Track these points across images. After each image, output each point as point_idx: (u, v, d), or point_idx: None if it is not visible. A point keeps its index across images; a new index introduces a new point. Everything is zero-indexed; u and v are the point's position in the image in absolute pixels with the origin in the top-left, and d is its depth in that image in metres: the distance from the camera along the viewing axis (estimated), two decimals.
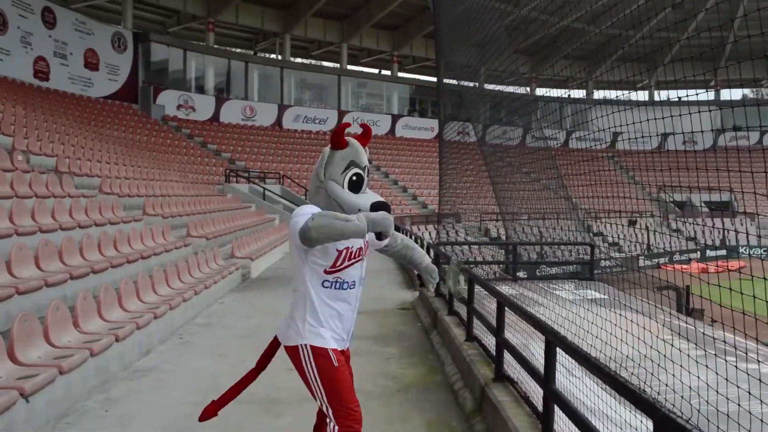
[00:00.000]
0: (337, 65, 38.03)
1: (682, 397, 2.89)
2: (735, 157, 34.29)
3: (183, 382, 5.37)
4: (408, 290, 11.29)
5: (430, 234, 22.01)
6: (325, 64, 41.15)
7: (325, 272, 2.56)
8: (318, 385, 2.54)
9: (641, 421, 2.45)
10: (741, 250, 27.52)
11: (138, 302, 6.78)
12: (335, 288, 2.58)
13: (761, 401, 2.72)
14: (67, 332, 5.19)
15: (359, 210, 2.49)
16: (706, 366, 2.90)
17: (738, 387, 2.68)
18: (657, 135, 38.19)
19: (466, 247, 19.35)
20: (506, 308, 4.54)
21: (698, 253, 27.46)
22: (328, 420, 2.53)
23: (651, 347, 3.45)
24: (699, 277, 3.46)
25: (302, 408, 4.18)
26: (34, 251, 6.27)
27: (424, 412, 4.67)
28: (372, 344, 6.81)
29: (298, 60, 37.72)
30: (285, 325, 2.68)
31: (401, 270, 14.62)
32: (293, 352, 2.60)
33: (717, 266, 18.88)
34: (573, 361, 3.12)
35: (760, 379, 2.77)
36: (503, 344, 4.49)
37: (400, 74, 40.41)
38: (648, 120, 3.91)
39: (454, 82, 13.76)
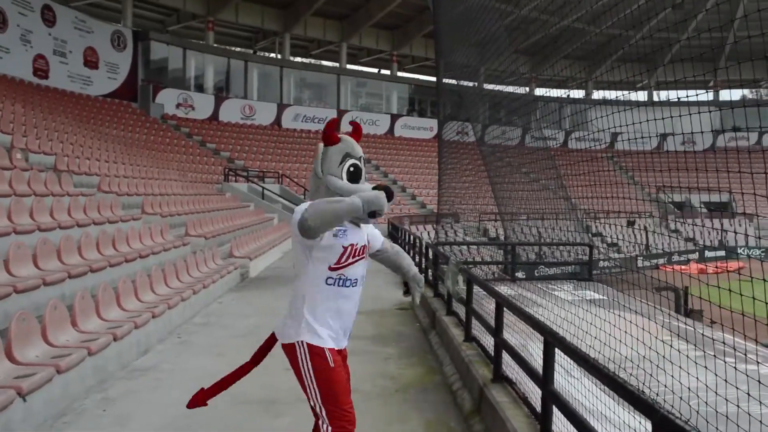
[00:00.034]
0: (337, 65, 38.03)
1: (681, 398, 2.89)
2: (734, 157, 34.30)
3: (181, 382, 5.36)
4: None
5: (428, 234, 22.00)
6: (325, 63, 41.16)
7: (330, 269, 2.57)
8: (313, 385, 2.53)
9: (640, 422, 2.45)
10: (739, 251, 27.54)
11: (136, 301, 6.78)
12: (338, 285, 2.59)
13: (760, 402, 2.72)
14: (65, 331, 5.18)
15: None
16: (705, 367, 2.90)
17: (737, 388, 2.68)
18: (657, 136, 38.25)
19: (465, 247, 19.34)
20: (505, 309, 4.53)
21: (697, 254, 27.47)
22: (321, 421, 2.52)
23: (650, 348, 3.44)
24: (699, 279, 3.46)
25: (301, 408, 4.16)
26: (32, 250, 6.26)
27: (423, 413, 4.67)
28: (370, 344, 6.80)
29: (298, 59, 37.72)
30: (283, 322, 2.68)
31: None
32: (290, 349, 2.60)
33: (717, 267, 18.88)
34: (571, 361, 3.12)
35: (759, 381, 2.77)
36: (502, 345, 4.48)
37: (400, 74, 40.42)
38: (648, 120, 3.91)
39: (454, 81, 13.76)
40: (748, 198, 27.11)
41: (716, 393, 2.73)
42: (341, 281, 2.59)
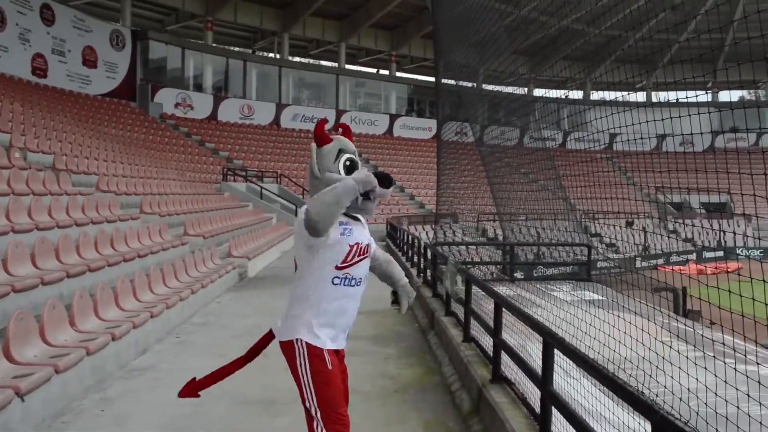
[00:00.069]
0: (336, 65, 38.03)
1: (680, 399, 2.89)
2: (732, 158, 34.33)
3: (180, 382, 5.28)
4: None
5: (427, 234, 22.00)
6: (324, 63, 41.16)
7: (336, 268, 2.57)
8: (309, 386, 2.52)
9: (639, 423, 2.45)
10: (738, 251, 27.55)
11: (134, 301, 6.77)
12: (344, 285, 2.59)
13: (760, 403, 2.72)
14: (64, 331, 5.17)
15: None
16: (705, 368, 2.89)
17: (737, 389, 2.68)
18: (656, 137, 38.28)
19: (464, 247, 19.33)
20: (504, 309, 4.53)
21: (695, 254, 27.49)
22: (315, 423, 2.51)
23: (649, 349, 3.44)
24: (698, 279, 3.46)
25: (300, 408, 4.16)
26: (30, 249, 6.25)
27: (422, 413, 4.66)
28: (370, 344, 6.80)
29: (297, 59, 37.70)
30: (282, 321, 2.67)
31: None
32: (288, 347, 2.58)
33: (717, 268, 18.89)
34: (570, 362, 3.11)
35: (759, 382, 2.77)
36: (501, 345, 4.48)
37: (398, 74, 40.42)
38: (648, 121, 3.91)
39: (453, 82, 13.76)
40: (745, 198, 27.15)
41: (716, 394, 2.73)
42: (347, 280, 2.59)
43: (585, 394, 3.36)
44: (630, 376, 3.18)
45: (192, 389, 2.81)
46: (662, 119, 3.84)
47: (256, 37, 37.57)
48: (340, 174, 2.60)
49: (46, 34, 23.37)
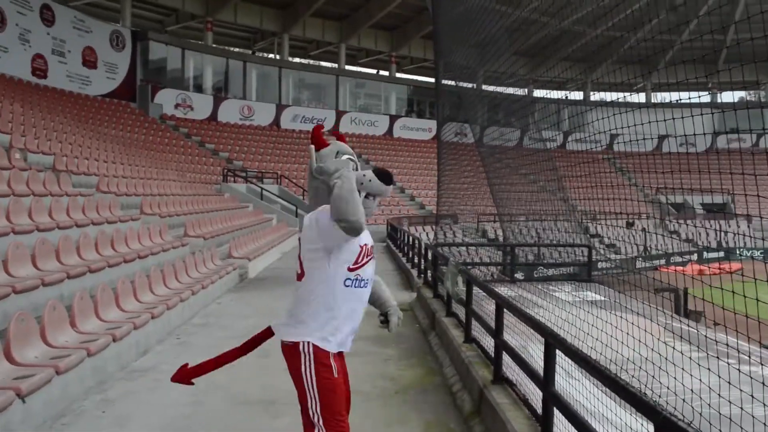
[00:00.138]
0: (336, 65, 38.04)
1: (683, 399, 2.88)
2: (733, 158, 34.33)
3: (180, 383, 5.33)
4: (406, 291, 11.28)
5: (427, 235, 22.00)
6: (324, 64, 41.16)
7: (349, 269, 2.56)
8: (313, 391, 2.50)
9: (642, 424, 2.44)
10: (738, 252, 27.54)
11: (135, 302, 6.76)
12: (355, 286, 2.58)
13: (763, 404, 2.71)
14: (64, 332, 5.16)
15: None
16: (708, 368, 2.89)
17: (740, 390, 2.67)
18: (657, 137, 38.25)
19: (464, 248, 19.32)
20: (505, 310, 4.52)
21: (695, 255, 27.48)
22: (317, 430, 2.49)
23: (651, 349, 3.43)
24: (701, 280, 3.45)
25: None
26: (31, 250, 6.24)
27: (423, 414, 4.65)
28: (370, 345, 6.79)
29: (297, 60, 37.71)
30: (286, 321, 2.65)
31: (399, 271, 14.62)
32: (293, 349, 2.56)
33: (719, 268, 18.88)
34: (572, 363, 3.10)
35: (763, 382, 2.76)
36: (502, 346, 4.47)
37: (398, 75, 40.43)
38: (650, 122, 3.90)
39: (453, 83, 13.76)
40: (745, 199, 27.15)
41: (719, 395, 2.72)
42: (357, 282, 2.59)
43: (587, 395, 3.35)
44: (632, 376, 3.17)
45: (184, 375, 2.82)
46: (664, 120, 3.83)
47: (256, 38, 37.57)
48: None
49: (46, 35, 23.38)
